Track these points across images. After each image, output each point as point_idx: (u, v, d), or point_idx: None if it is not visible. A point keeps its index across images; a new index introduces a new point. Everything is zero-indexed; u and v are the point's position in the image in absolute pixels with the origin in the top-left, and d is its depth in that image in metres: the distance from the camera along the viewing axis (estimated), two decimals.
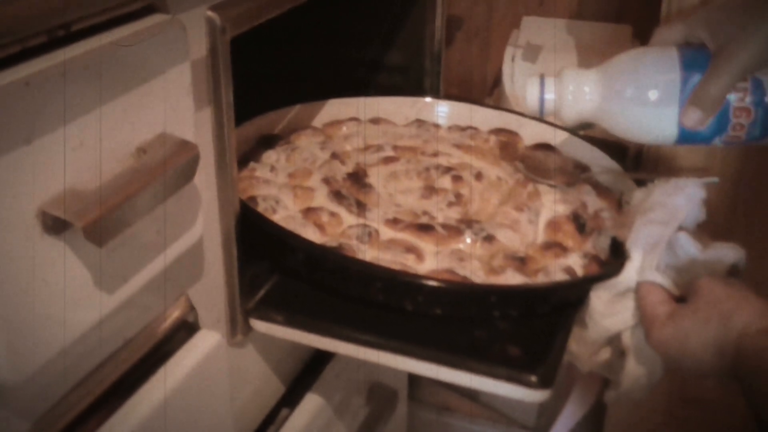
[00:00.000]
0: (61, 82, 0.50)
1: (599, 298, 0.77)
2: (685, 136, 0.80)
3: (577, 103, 0.83)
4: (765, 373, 0.63)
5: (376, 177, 0.98)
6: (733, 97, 0.78)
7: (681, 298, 0.74)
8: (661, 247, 0.77)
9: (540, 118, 0.93)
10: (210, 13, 0.66)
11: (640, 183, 0.93)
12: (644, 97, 0.79)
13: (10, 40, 0.48)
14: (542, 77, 0.85)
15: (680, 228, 0.80)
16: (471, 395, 1.55)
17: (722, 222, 0.84)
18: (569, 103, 0.84)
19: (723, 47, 0.75)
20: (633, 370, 0.76)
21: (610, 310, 0.77)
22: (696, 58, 0.78)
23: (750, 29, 0.73)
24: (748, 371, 0.64)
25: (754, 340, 0.65)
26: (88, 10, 0.53)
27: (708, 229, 0.82)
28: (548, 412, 1.37)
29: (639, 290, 0.76)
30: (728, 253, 0.78)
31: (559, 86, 0.84)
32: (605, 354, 0.79)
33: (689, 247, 0.78)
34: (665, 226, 0.79)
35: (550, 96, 0.84)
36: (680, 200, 0.81)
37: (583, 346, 0.79)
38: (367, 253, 0.83)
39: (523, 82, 0.87)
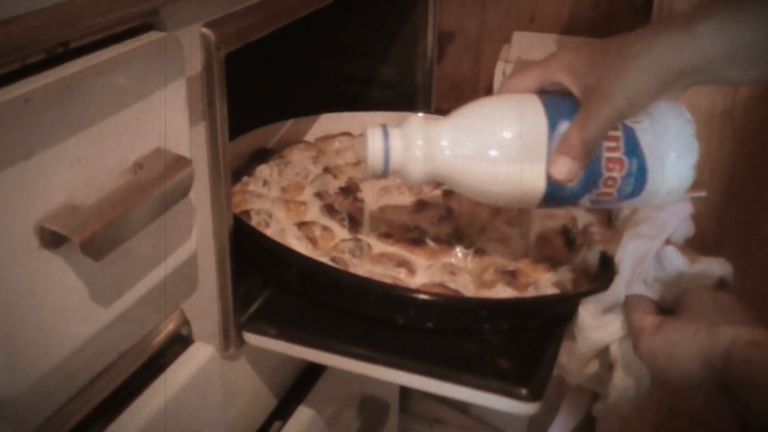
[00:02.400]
0: (59, 98, 0.50)
1: (588, 311, 0.78)
2: (553, 194, 0.72)
3: (428, 160, 0.73)
4: (753, 385, 0.63)
5: (368, 191, 0.99)
6: (604, 147, 0.71)
7: (668, 311, 0.75)
8: (648, 261, 0.78)
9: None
10: (205, 30, 0.67)
11: None
12: (507, 151, 0.70)
13: (11, 58, 0.49)
14: (385, 128, 0.74)
15: (668, 242, 0.80)
16: (462, 408, 1.56)
17: (710, 236, 0.85)
18: (418, 160, 0.73)
19: (593, 89, 0.69)
20: (620, 382, 0.76)
21: (598, 323, 0.77)
22: (561, 105, 0.71)
23: (621, 70, 0.68)
24: (736, 383, 0.64)
25: (742, 352, 0.65)
26: (87, 28, 0.54)
27: (696, 244, 0.83)
28: (538, 425, 1.38)
29: (627, 303, 0.77)
30: (715, 267, 0.78)
31: (406, 139, 0.73)
32: (594, 367, 0.80)
33: (677, 261, 0.79)
34: (653, 239, 0.79)
35: (397, 152, 0.73)
36: (668, 214, 0.80)
37: (573, 359, 0.80)
38: (360, 267, 0.84)
39: (363, 135, 0.75)
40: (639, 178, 0.72)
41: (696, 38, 0.68)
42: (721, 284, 0.77)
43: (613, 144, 0.71)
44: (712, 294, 0.73)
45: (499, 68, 1.31)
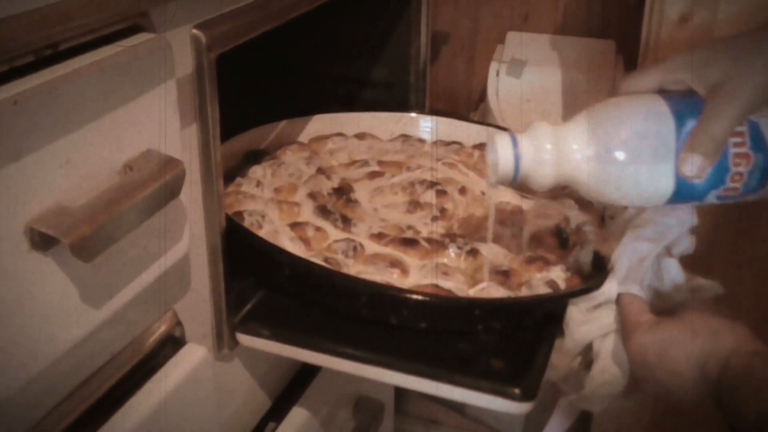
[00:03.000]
0: (48, 100, 0.50)
1: (577, 307, 0.78)
2: (681, 192, 0.72)
3: (558, 164, 0.74)
4: (749, 391, 0.63)
5: (361, 192, 0.99)
6: (731, 143, 0.71)
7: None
8: (646, 264, 0.78)
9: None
10: (195, 32, 0.67)
11: None
12: (635, 152, 0.71)
13: None
14: (513, 135, 0.75)
15: (669, 254, 0.80)
16: (458, 408, 1.55)
17: (703, 245, 0.84)
18: (546, 164, 0.74)
19: (719, 86, 0.69)
20: (597, 376, 0.76)
21: (586, 318, 0.77)
22: (686, 103, 0.71)
23: (747, 65, 0.68)
24: (732, 388, 0.64)
25: (743, 359, 0.65)
26: (76, 30, 0.54)
27: (688, 257, 0.83)
28: (534, 425, 1.38)
29: (621, 300, 0.77)
30: (711, 286, 0.79)
31: (535, 144, 0.74)
32: (576, 364, 0.80)
33: (676, 274, 0.79)
34: (653, 243, 0.79)
35: (527, 157, 0.74)
36: (672, 221, 0.80)
37: (561, 356, 0.80)
38: (352, 268, 0.84)
39: (490, 143, 0.76)
40: (764, 171, 0.72)
41: None
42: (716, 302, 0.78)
43: (739, 139, 0.71)
44: (714, 305, 0.73)
45: (493, 69, 1.32)
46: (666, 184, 0.72)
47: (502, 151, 0.74)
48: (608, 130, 0.72)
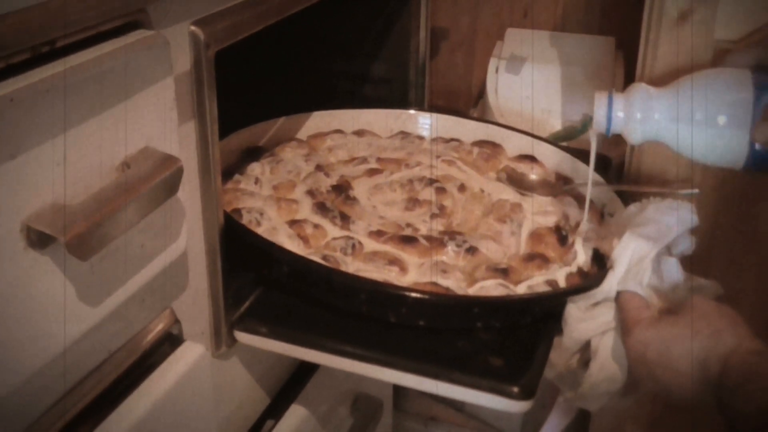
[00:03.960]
0: (45, 97, 0.50)
1: (575, 305, 0.78)
2: (755, 158, 0.78)
3: (646, 122, 0.81)
4: (749, 390, 0.63)
5: (360, 189, 0.99)
6: None
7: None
8: (647, 262, 0.78)
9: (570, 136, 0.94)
10: (193, 28, 0.66)
11: (622, 195, 0.94)
12: (715, 117, 0.78)
13: None
14: (610, 93, 0.83)
15: (669, 251, 0.80)
16: (456, 405, 1.55)
17: (703, 244, 0.85)
18: (637, 122, 0.82)
19: None
20: (594, 375, 0.76)
21: (584, 316, 0.77)
22: None
23: None
24: (733, 386, 0.64)
25: (743, 358, 0.65)
26: (73, 27, 0.54)
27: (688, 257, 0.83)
28: (533, 422, 1.38)
29: (621, 297, 0.77)
30: (710, 287, 0.79)
31: (628, 104, 0.82)
32: (574, 362, 0.80)
33: (676, 274, 0.79)
34: (654, 242, 0.79)
35: (619, 114, 0.82)
36: (672, 220, 0.81)
37: (559, 353, 0.80)
38: (351, 265, 0.84)
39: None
40: None
41: None
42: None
43: None
44: (716, 303, 0.73)
45: (493, 65, 1.31)
46: (741, 149, 0.78)
47: (598, 110, 0.83)
48: (693, 96, 0.79)
